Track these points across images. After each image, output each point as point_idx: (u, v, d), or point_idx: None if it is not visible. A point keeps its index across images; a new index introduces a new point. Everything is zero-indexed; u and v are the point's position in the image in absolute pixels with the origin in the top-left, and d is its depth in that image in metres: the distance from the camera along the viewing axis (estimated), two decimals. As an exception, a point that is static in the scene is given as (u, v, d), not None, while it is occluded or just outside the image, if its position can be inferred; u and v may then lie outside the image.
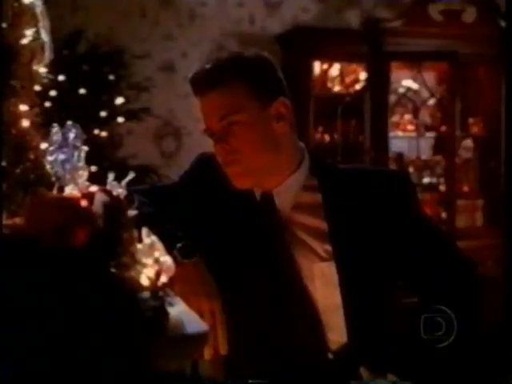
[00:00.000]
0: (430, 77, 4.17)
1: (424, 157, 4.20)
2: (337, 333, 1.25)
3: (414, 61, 4.02)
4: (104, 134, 3.01)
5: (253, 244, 1.28)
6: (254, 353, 1.29)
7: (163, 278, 0.79)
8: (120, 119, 3.09)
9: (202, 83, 1.28)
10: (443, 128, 4.15)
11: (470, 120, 4.21)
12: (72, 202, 0.81)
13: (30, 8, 0.99)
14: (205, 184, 1.35)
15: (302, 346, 1.26)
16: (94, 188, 0.88)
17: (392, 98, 4.04)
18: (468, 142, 4.21)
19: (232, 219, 1.30)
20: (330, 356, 1.25)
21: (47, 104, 1.95)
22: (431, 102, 4.18)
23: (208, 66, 1.28)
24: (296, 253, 1.25)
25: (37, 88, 1.03)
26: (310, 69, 3.86)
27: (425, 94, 4.15)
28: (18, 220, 0.85)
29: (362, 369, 1.21)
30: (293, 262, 1.25)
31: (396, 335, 1.27)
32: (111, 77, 3.12)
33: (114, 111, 3.07)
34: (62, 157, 0.95)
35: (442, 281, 1.26)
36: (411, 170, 4.05)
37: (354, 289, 1.24)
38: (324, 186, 1.28)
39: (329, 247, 1.25)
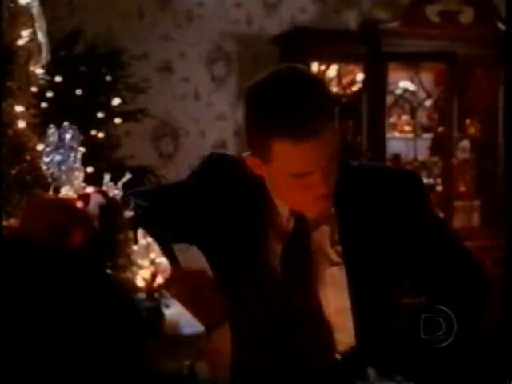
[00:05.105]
0: (427, 78, 4.17)
1: (421, 158, 4.20)
2: (345, 334, 1.25)
3: (412, 62, 4.03)
4: (101, 134, 3.01)
5: (271, 247, 1.26)
6: (262, 354, 1.29)
7: (159, 280, 0.79)
8: (117, 120, 3.09)
9: (308, 132, 1.10)
10: (440, 129, 4.15)
11: (467, 121, 4.21)
12: (68, 203, 0.81)
13: (27, 9, 0.99)
14: (221, 185, 1.31)
15: (310, 348, 1.26)
16: (90, 189, 0.88)
17: (389, 99, 4.05)
18: (465, 143, 4.22)
19: (249, 222, 1.27)
20: (338, 357, 1.26)
21: (44, 105, 1.95)
22: (428, 103, 4.19)
23: (307, 112, 1.10)
24: (313, 257, 1.25)
25: (33, 89, 1.03)
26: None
27: (422, 95, 4.15)
28: (14, 221, 0.85)
29: (369, 370, 1.21)
30: (310, 266, 1.25)
31: (402, 336, 1.26)
32: (108, 78, 3.12)
33: (112, 112, 3.07)
34: (58, 158, 0.95)
35: (449, 281, 1.25)
36: (408, 170, 4.06)
37: (363, 290, 1.24)
38: (336, 187, 1.25)
39: (339, 249, 1.25)
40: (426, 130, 4.20)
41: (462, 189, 4.24)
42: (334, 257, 1.25)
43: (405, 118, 4.16)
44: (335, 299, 1.24)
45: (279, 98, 1.12)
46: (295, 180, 1.16)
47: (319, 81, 1.20)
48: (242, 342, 1.32)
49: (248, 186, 1.28)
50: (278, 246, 1.26)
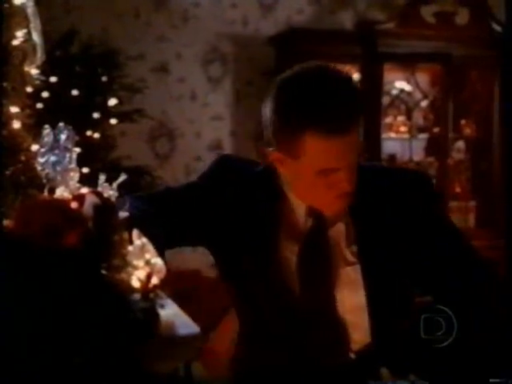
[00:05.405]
0: (422, 78, 4.18)
1: (417, 158, 4.21)
2: (360, 333, 1.26)
3: (407, 62, 4.04)
4: (97, 135, 3.01)
5: (286, 246, 1.26)
6: (274, 353, 1.29)
7: (154, 280, 0.79)
8: (113, 120, 3.09)
9: (342, 127, 1.12)
10: (436, 129, 4.16)
11: (463, 121, 4.23)
12: (62, 204, 0.81)
13: (21, 9, 0.98)
14: (233, 185, 1.30)
15: (325, 346, 1.27)
16: (85, 190, 0.88)
17: (385, 100, 4.06)
18: (460, 144, 4.23)
19: (262, 221, 1.26)
20: (352, 356, 1.26)
21: (39, 105, 1.95)
22: (424, 103, 4.20)
23: (342, 107, 1.12)
24: (330, 256, 1.25)
25: (28, 89, 1.02)
26: (303, 70, 3.86)
27: (418, 95, 4.16)
28: (8, 222, 0.85)
29: (382, 370, 1.21)
30: (328, 265, 1.24)
31: (405, 335, 1.26)
32: (104, 78, 3.11)
33: (107, 113, 3.07)
34: (53, 158, 0.95)
35: (459, 281, 1.26)
36: (404, 171, 4.05)
37: (379, 289, 1.24)
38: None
39: (355, 248, 1.25)
40: (421, 130, 4.21)
41: (458, 189, 4.25)
42: (350, 256, 1.25)
43: (400, 118, 4.16)
44: (350, 298, 1.25)
45: (315, 92, 1.12)
46: (320, 177, 1.16)
47: (350, 77, 1.20)
48: (254, 341, 1.31)
49: (260, 186, 1.28)
50: (293, 245, 1.26)
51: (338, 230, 1.26)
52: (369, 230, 1.24)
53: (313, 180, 1.17)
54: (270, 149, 1.20)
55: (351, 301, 1.25)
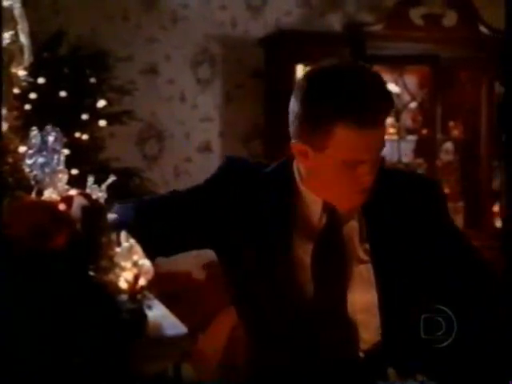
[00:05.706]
0: (411, 80, 4.20)
1: (405, 160, 4.23)
2: (370, 332, 1.26)
3: (396, 64, 4.06)
4: (85, 137, 3.00)
5: (299, 245, 1.26)
6: (285, 353, 1.29)
7: (142, 281, 0.79)
8: (102, 122, 3.08)
9: (373, 119, 1.15)
10: (424, 131, 4.19)
11: (451, 123, 4.25)
12: (50, 205, 0.81)
13: (9, 10, 0.98)
14: (242, 185, 1.30)
15: (335, 346, 1.27)
16: (73, 192, 0.88)
17: (374, 102, 4.07)
18: (448, 145, 4.25)
19: (274, 220, 1.26)
20: (361, 355, 1.27)
21: (26, 107, 1.94)
22: (412, 105, 4.22)
23: (375, 100, 1.14)
24: (345, 254, 1.26)
25: (16, 91, 1.02)
26: (292, 72, 3.87)
27: (406, 97, 4.18)
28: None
29: (389, 370, 1.21)
30: (342, 264, 1.25)
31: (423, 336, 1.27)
32: (93, 79, 3.11)
33: (96, 114, 3.06)
34: (41, 160, 0.95)
35: (462, 282, 1.28)
36: (393, 172, 4.07)
37: (391, 288, 1.25)
38: None
39: (367, 247, 1.26)
40: (410, 132, 4.23)
41: (446, 190, 4.27)
42: (362, 255, 1.26)
43: (389, 120, 4.18)
44: (362, 297, 1.25)
45: (347, 84, 1.15)
46: (344, 169, 1.18)
47: (379, 73, 1.22)
48: (262, 341, 1.31)
49: (272, 185, 1.28)
50: (306, 243, 1.26)
51: (352, 228, 1.27)
52: (381, 229, 1.26)
53: (335, 173, 1.19)
54: (293, 141, 1.21)
55: (363, 300, 1.25)
